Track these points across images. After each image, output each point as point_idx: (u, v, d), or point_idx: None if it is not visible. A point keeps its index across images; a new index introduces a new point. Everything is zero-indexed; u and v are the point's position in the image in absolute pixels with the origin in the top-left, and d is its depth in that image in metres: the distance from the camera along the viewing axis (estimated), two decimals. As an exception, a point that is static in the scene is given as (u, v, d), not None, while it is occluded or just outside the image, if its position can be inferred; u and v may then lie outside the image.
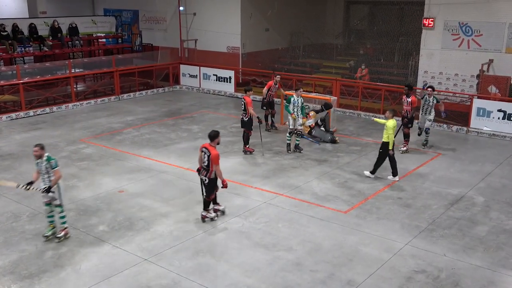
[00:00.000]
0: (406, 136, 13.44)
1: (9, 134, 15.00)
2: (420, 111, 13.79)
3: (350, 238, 8.80)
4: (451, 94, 16.86)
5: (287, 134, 13.39)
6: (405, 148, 13.44)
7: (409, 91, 13.28)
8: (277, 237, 8.79)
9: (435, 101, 13.49)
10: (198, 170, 9.25)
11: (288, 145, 13.40)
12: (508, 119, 14.84)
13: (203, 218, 9.34)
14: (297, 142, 13.39)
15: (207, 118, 17.13)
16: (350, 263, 7.99)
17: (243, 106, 13.11)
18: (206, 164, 9.00)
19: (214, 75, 21.27)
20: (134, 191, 10.74)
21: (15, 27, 20.87)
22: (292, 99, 13.23)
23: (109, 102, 19.55)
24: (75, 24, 22.95)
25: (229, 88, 20.86)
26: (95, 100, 19.30)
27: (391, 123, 11.13)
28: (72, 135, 14.94)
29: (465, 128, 15.52)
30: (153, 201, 10.20)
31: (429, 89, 13.60)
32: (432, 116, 13.69)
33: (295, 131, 13.22)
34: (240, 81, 21.36)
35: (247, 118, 13.02)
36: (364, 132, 15.47)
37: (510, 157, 13.20)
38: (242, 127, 13.25)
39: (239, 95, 20.30)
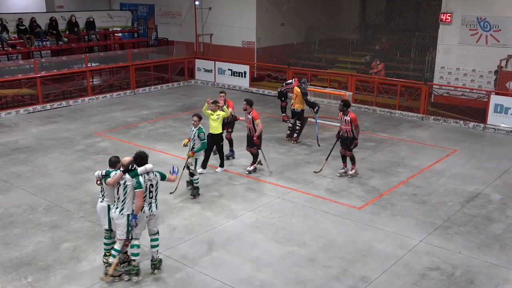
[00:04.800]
0: (352, 160, 11.34)
1: (26, 127, 15.18)
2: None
3: (364, 234, 8.77)
4: (468, 90, 16.67)
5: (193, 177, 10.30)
6: (353, 171, 11.38)
7: (344, 107, 11.05)
8: (290, 232, 8.79)
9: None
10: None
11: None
12: (526, 115, 14.64)
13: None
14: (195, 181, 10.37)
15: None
16: (364, 259, 7.96)
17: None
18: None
19: (229, 69, 21.26)
20: (148, 185, 10.77)
21: (33, 22, 21.08)
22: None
23: (125, 96, 19.67)
24: (93, 19, 23.10)
25: (244, 82, 20.85)
26: (110, 94, 19.43)
27: (223, 113, 11.14)
28: (88, 128, 15.07)
29: (482, 125, 15.34)
30: (167, 195, 10.25)
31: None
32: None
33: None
34: (255, 76, 21.35)
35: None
36: (379, 128, 15.37)
37: (527, 154, 13.03)
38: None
39: (254, 90, 20.35)
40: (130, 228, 7.18)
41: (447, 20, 17.02)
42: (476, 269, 7.74)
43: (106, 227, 7.53)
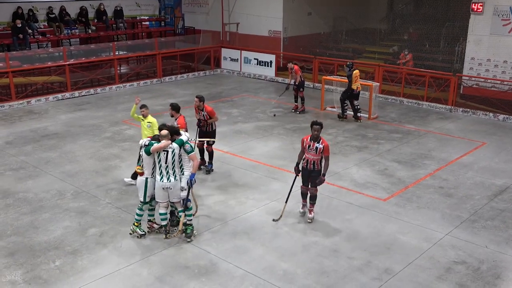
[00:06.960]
0: (314, 199, 8.86)
1: (55, 114, 15.45)
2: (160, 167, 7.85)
3: (388, 226, 8.70)
4: (499, 82, 16.30)
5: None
6: (312, 215, 8.87)
7: (321, 129, 8.44)
8: (314, 223, 8.77)
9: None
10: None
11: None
12: (559, 108, 14.26)
13: None
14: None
15: (247, 102, 17.16)
16: (388, 252, 7.90)
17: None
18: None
19: (255, 59, 21.24)
20: (174, 173, 10.86)
21: (62, 10, 21.38)
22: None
23: (151, 84, 19.83)
24: (121, 7, 23.31)
25: (270, 72, 20.81)
26: (137, 82, 19.61)
27: (155, 120, 9.70)
28: (115, 116, 15.26)
29: (512, 117, 15.03)
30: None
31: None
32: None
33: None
34: (281, 65, 21.27)
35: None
36: (406, 119, 15.17)
37: (559, 148, 12.70)
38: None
39: (280, 79, 20.28)
40: (191, 186, 7.99)
41: (478, 10, 16.61)
42: (503, 264, 7.61)
43: (142, 199, 8.09)
